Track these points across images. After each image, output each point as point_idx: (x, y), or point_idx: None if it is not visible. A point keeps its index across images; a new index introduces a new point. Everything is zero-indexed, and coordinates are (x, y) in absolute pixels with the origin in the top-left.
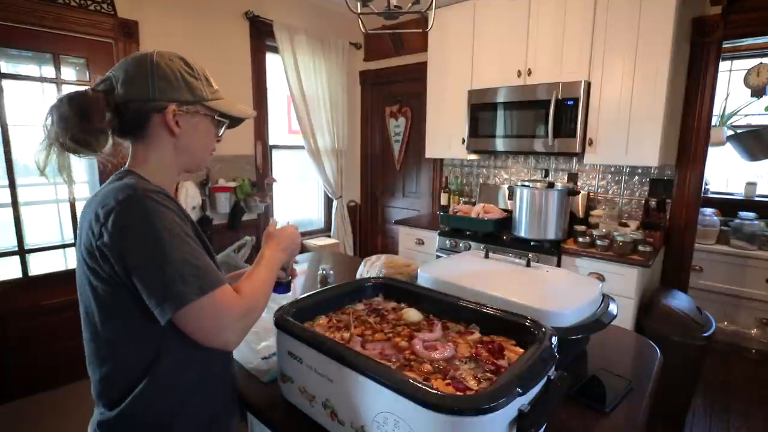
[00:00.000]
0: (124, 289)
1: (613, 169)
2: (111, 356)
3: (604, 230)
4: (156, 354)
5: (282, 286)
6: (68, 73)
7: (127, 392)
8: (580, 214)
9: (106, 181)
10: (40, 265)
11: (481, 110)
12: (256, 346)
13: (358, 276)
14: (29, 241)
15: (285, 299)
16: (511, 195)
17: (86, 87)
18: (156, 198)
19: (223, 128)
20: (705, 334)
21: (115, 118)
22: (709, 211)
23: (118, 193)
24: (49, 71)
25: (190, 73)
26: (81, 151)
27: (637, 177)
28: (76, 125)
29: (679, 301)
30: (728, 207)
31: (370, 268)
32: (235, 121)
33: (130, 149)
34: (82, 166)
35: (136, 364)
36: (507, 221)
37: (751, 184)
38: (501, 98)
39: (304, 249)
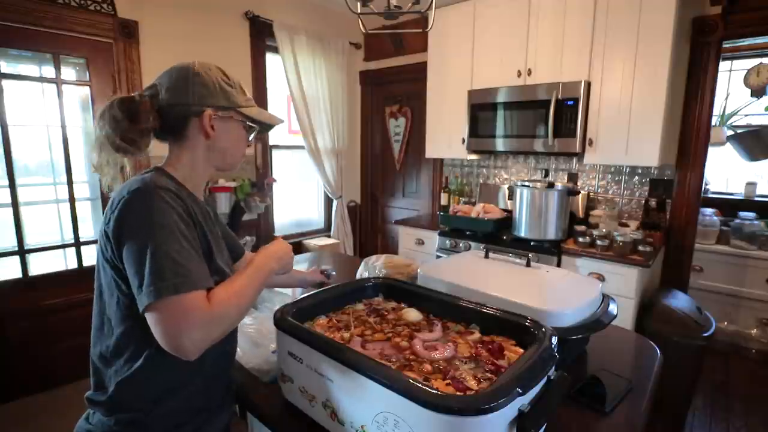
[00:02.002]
0: (122, 272)
1: (613, 169)
2: (110, 334)
3: (604, 230)
4: (150, 340)
5: None
6: (68, 73)
7: (116, 374)
8: (580, 214)
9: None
10: (40, 265)
11: (481, 110)
12: (262, 341)
13: (358, 276)
14: (29, 241)
15: (285, 299)
16: (511, 195)
17: (135, 93)
18: (162, 194)
19: (253, 134)
20: (705, 334)
21: (158, 120)
22: (709, 211)
23: (132, 184)
24: (49, 71)
25: (226, 81)
26: (129, 150)
27: (637, 177)
28: (126, 126)
29: (679, 301)
30: (728, 207)
31: (370, 268)
32: (265, 128)
33: (168, 149)
34: (82, 167)
35: (130, 346)
36: (507, 221)
37: (751, 184)
38: (501, 98)
39: (303, 249)
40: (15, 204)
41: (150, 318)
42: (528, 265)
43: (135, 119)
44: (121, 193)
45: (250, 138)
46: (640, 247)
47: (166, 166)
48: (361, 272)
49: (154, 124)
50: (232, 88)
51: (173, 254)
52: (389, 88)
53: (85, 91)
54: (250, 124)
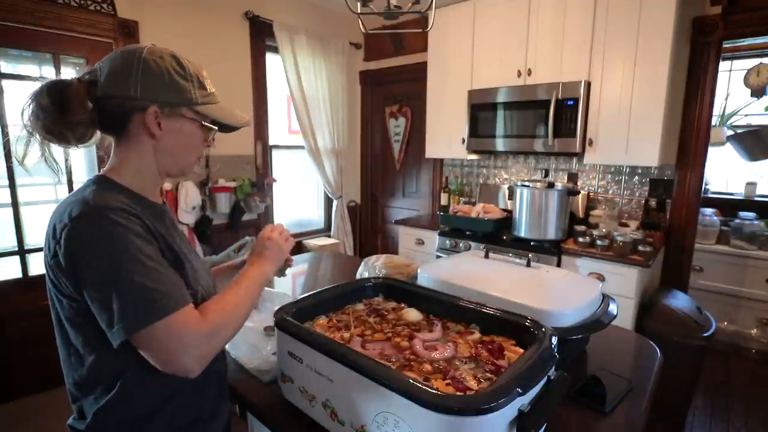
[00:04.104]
0: (84, 306)
1: (613, 169)
2: (80, 365)
3: (604, 230)
4: (122, 368)
5: None
6: (68, 73)
7: (95, 402)
8: (580, 214)
9: (78, 188)
10: (40, 265)
11: (481, 110)
12: (263, 344)
13: (358, 276)
14: (29, 241)
15: (285, 299)
16: (511, 195)
17: (72, 77)
18: (111, 216)
19: (212, 134)
20: (705, 334)
21: (95, 111)
22: (709, 211)
23: (73, 209)
24: (49, 71)
25: (180, 73)
26: (58, 143)
27: (637, 177)
28: (53, 116)
29: (679, 301)
30: (728, 207)
31: (370, 268)
32: (226, 129)
33: (112, 147)
34: (82, 167)
35: (102, 375)
36: (507, 221)
37: (751, 184)
38: (501, 98)
39: (304, 249)
40: (15, 204)
41: (140, 347)
42: (528, 265)
43: (64, 109)
44: (61, 219)
45: (210, 137)
46: (640, 247)
47: (110, 172)
48: (361, 272)
49: (89, 116)
50: (187, 81)
51: (142, 280)
52: (389, 88)
53: None
54: (206, 124)
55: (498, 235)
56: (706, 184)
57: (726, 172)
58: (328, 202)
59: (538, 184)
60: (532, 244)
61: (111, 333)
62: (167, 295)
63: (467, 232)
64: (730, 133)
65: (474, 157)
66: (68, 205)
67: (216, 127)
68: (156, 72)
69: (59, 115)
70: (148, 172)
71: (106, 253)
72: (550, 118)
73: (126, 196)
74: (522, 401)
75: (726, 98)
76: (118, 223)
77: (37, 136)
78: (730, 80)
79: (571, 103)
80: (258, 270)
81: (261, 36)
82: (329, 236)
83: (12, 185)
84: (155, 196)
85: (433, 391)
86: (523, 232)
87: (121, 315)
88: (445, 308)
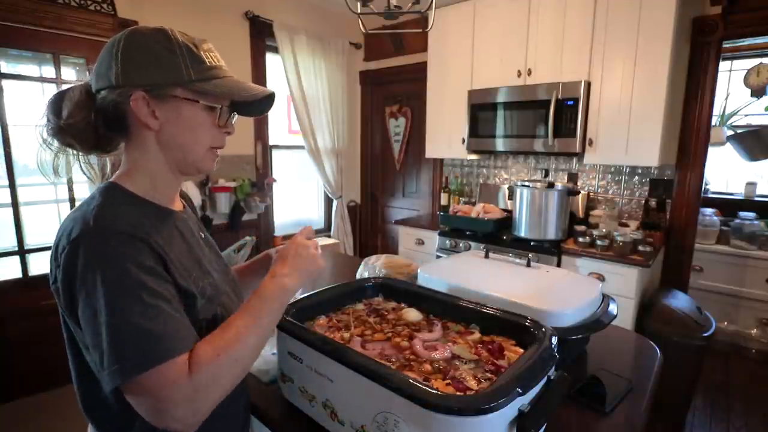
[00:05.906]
0: None
1: (613, 169)
2: (97, 393)
3: (604, 230)
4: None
5: None
6: (68, 73)
7: None
8: (580, 214)
9: (86, 198)
10: (40, 265)
11: (481, 110)
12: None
13: (358, 276)
14: (29, 241)
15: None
16: (511, 195)
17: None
18: (111, 241)
19: (225, 115)
20: (705, 334)
21: (92, 112)
22: (709, 211)
23: (73, 229)
24: (49, 71)
25: (166, 46)
26: (76, 148)
27: (637, 177)
28: (51, 122)
29: (679, 301)
30: (728, 207)
31: (370, 268)
32: (247, 108)
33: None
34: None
35: (121, 409)
36: (507, 221)
37: (751, 184)
38: (501, 98)
39: None
40: (15, 204)
41: (127, 397)
42: (528, 265)
43: (57, 113)
44: (60, 239)
45: (227, 121)
46: (640, 247)
47: (120, 178)
48: (361, 272)
49: (84, 116)
50: (175, 55)
51: (135, 319)
52: (389, 88)
53: None
54: (206, 103)
55: (498, 235)
56: (706, 184)
57: (726, 172)
58: (328, 202)
59: (538, 184)
60: (532, 244)
61: (101, 376)
62: (161, 340)
63: (467, 232)
64: (730, 133)
65: (474, 157)
66: (70, 222)
67: (218, 105)
68: (136, 52)
69: (54, 120)
70: (160, 173)
71: (101, 285)
72: (550, 118)
73: (135, 207)
74: (522, 401)
75: (726, 98)
76: (117, 250)
77: (55, 143)
78: (730, 80)
79: (571, 103)
80: (278, 284)
81: (261, 36)
82: (329, 236)
83: (12, 185)
84: (172, 201)
85: (433, 391)
86: (523, 232)
87: (111, 359)
88: (445, 308)
